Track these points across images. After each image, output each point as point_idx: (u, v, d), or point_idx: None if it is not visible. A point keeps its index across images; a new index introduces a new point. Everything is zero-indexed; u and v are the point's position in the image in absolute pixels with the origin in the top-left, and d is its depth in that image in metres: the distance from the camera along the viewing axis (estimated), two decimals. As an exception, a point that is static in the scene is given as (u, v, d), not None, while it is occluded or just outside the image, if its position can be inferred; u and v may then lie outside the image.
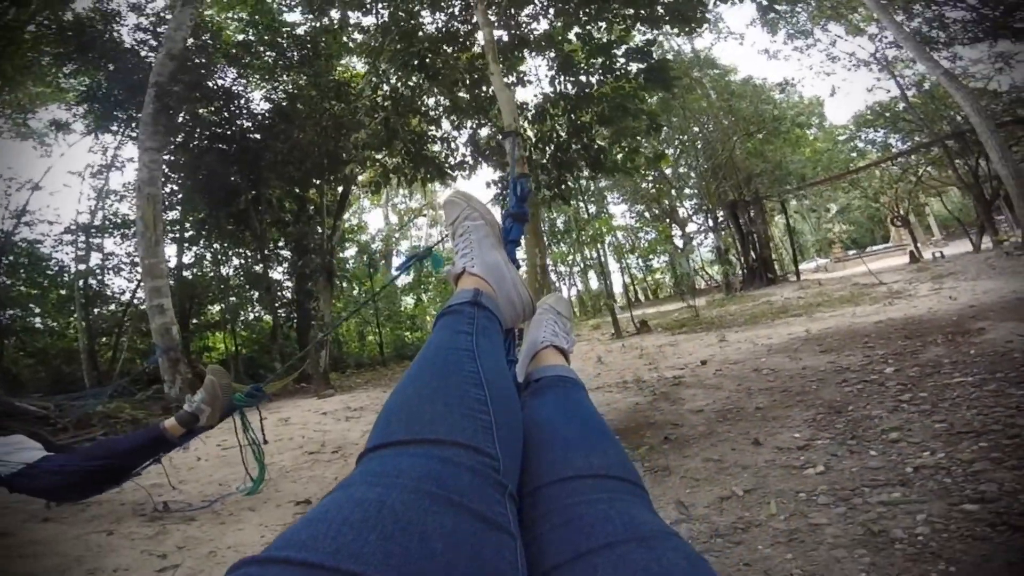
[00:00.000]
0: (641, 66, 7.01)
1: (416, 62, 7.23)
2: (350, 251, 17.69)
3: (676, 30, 7.46)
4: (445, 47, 7.54)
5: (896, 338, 4.44)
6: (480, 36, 6.48)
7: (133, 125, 10.84)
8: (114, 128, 11.56)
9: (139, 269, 9.87)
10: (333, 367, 12.88)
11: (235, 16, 12.50)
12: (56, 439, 3.68)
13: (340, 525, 0.37)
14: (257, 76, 11.55)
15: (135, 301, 12.43)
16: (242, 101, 11.37)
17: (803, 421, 2.88)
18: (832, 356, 4.42)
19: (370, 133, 7.29)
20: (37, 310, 13.29)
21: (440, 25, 7.73)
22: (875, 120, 17.79)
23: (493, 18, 7.42)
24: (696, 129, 19.71)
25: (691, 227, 21.13)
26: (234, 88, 11.37)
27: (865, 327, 5.26)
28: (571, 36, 7.66)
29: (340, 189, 12.64)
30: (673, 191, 21.14)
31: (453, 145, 7.85)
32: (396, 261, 22.77)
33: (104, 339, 12.55)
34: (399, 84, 8.00)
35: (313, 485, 3.15)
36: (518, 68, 7.96)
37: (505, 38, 7.60)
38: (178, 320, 12.74)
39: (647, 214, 23.64)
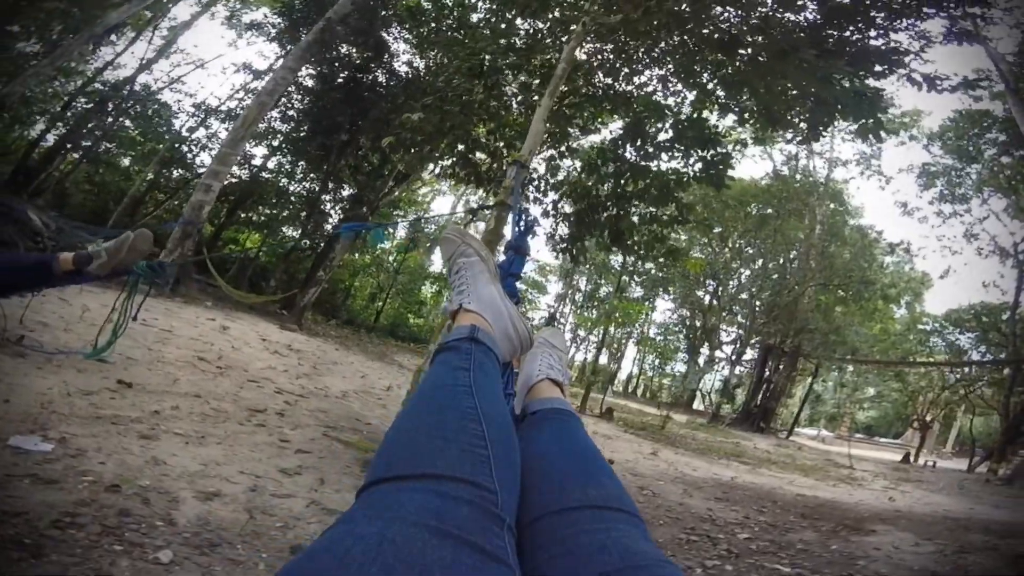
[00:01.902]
0: (703, 154, 6.89)
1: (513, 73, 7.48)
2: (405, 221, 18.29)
3: (788, 136, 7.25)
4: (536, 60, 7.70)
5: (792, 512, 4.19)
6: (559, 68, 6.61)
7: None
8: (288, 43, 12.77)
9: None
10: (325, 312, 13.31)
11: None
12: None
13: (343, 558, 0.38)
14: (414, 43, 12.26)
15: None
16: (389, 58, 12.38)
17: None
18: (719, 506, 4.19)
19: (424, 118, 7.59)
20: (131, 153, 14.89)
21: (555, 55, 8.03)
22: (969, 322, 15.85)
23: (602, 55, 7.64)
24: (780, 259, 18.66)
25: (720, 353, 20.26)
26: (391, 46, 12.41)
27: (782, 495, 4.95)
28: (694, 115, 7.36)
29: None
30: (723, 312, 20.36)
31: (497, 163, 8.03)
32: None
33: (160, 196, 13.72)
34: (477, 88, 8.31)
35: (158, 378, 3.28)
36: (597, 119, 8.06)
37: (608, 84, 7.70)
38: (228, 208, 13.91)
39: (688, 321, 22.94)
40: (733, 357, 17.86)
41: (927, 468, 11.69)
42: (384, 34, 12.14)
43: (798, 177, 18.50)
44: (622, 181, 6.97)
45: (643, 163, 6.96)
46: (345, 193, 14.16)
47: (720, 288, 20.73)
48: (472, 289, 1.02)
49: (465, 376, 0.72)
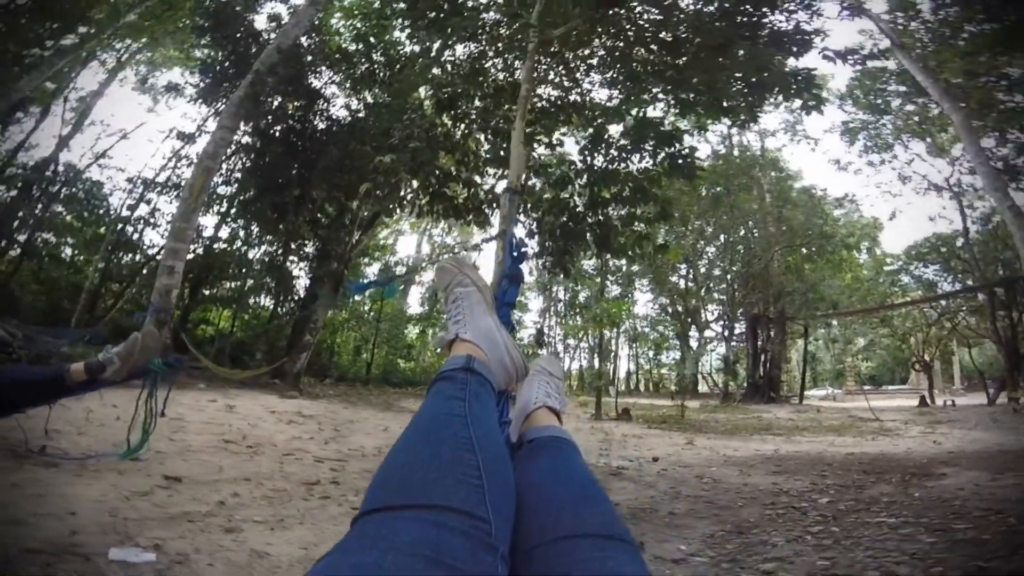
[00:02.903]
0: (669, 150, 7.10)
1: (466, 104, 7.57)
2: (373, 268, 18.08)
3: (729, 121, 7.61)
4: (501, 98, 7.87)
5: (855, 471, 4.20)
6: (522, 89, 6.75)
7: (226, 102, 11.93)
8: (212, 102, 12.53)
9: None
10: (315, 373, 12.88)
11: (350, 24, 13.46)
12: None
13: None
14: (348, 84, 12.32)
15: (159, 257, 13.05)
16: (325, 104, 12.14)
17: (701, 535, 2.73)
18: (781, 478, 4.17)
19: (396, 159, 7.57)
20: (71, 241, 14.09)
21: (506, 76, 8.14)
22: (929, 254, 16.82)
23: (551, 75, 7.84)
24: (741, 231, 19.30)
25: (709, 332, 20.62)
26: (323, 91, 12.16)
27: (833, 456, 4.99)
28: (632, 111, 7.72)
29: (375, 206, 13.11)
30: (702, 291, 20.80)
31: (474, 190, 8.03)
32: (416, 291, 23.00)
33: (114, 285, 13.08)
34: (442, 119, 8.36)
35: (200, 468, 3.10)
36: (557, 130, 8.21)
37: (558, 97, 7.90)
38: (190, 288, 13.34)
39: (670, 309, 23.29)
40: (725, 334, 18.19)
41: (949, 408, 11.89)
42: (314, 80, 11.95)
43: (736, 153, 19.50)
44: (595, 189, 7.09)
45: (611, 167, 7.11)
46: (309, 250, 13.85)
47: (691, 270, 21.31)
48: (469, 319, 1.02)
49: (460, 406, 0.73)
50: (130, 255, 13.75)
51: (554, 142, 8.10)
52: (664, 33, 6.74)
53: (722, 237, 19.93)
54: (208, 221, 13.82)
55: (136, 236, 13.76)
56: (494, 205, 8.32)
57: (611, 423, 9.11)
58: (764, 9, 6.48)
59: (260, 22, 12.20)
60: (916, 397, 14.66)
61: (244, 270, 13.92)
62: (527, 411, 1.05)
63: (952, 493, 3.11)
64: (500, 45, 7.67)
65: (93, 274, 12.29)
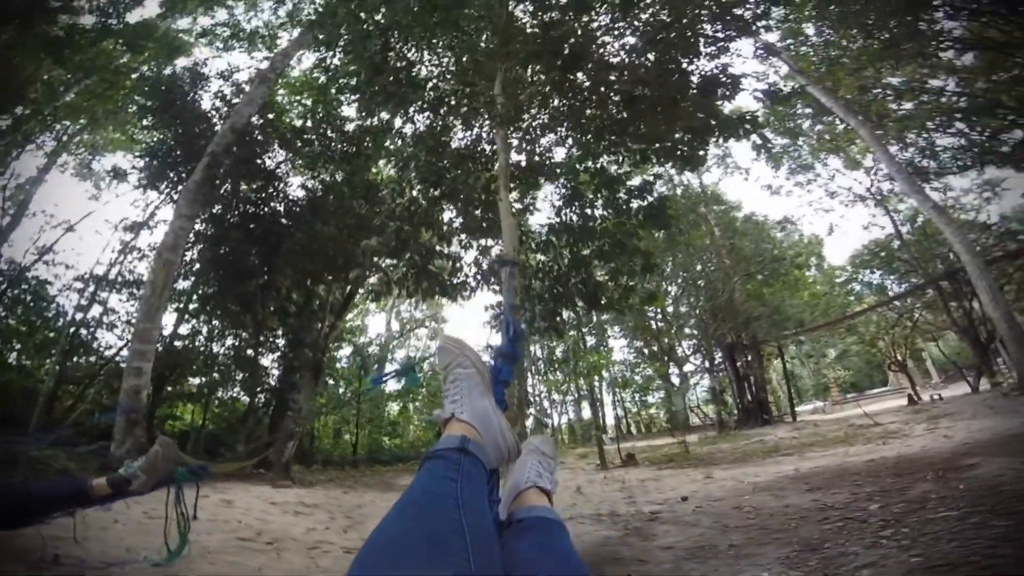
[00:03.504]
0: (642, 203, 7.49)
1: (436, 177, 7.78)
2: (345, 350, 17.58)
3: (678, 168, 8.06)
4: (468, 165, 8.17)
5: (885, 476, 4.24)
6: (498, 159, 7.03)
7: (179, 189, 11.17)
8: (161, 187, 12.00)
9: (133, 329, 9.79)
10: (299, 460, 12.09)
11: (300, 100, 13.71)
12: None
13: None
14: (301, 163, 12.13)
15: (117, 359, 12.13)
16: (281, 185, 11.92)
17: (775, 559, 2.70)
18: (818, 494, 4.15)
19: (381, 241, 7.62)
20: (18, 346, 12.93)
21: (468, 143, 8.48)
22: (871, 260, 17.83)
23: (514, 142, 8.20)
24: (699, 267, 20.03)
25: (688, 366, 20.92)
26: (278, 171, 11.95)
27: (856, 466, 5.03)
28: (584, 166, 8.12)
29: (348, 289, 12.65)
30: (673, 330, 21.25)
31: (458, 264, 8.12)
32: (389, 368, 22.40)
33: (71, 387, 12.06)
34: (419, 196, 8.52)
35: (233, 570, 2.89)
36: (530, 193, 8.51)
37: (524, 162, 8.27)
38: (152, 385, 12.40)
39: (645, 350, 23.58)
40: (706, 365, 18.46)
41: (938, 402, 12.10)
42: (268, 160, 11.75)
43: (679, 193, 20.51)
44: (576, 248, 7.33)
45: (588, 225, 7.40)
46: (280, 342, 13.25)
47: (660, 311, 21.75)
48: (466, 400, 1.05)
49: (453, 487, 0.75)
50: (86, 357, 12.71)
51: (529, 206, 8.33)
52: (616, 93, 7.28)
53: (682, 275, 20.61)
54: (166, 319, 13.16)
55: (90, 338, 12.79)
56: (478, 277, 8.36)
57: (619, 470, 8.91)
58: (691, 56, 7.20)
59: (206, 102, 12.06)
60: (902, 397, 15.07)
61: (210, 365, 13.13)
62: (518, 490, 1.07)
63: (994, 480, 3.19)
64: (461, 114, 8.05)
65: (48, 378, 11.35)
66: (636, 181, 8.21)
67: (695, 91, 6.94)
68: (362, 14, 7.53)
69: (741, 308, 17.67)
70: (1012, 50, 10.36)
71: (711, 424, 18.54)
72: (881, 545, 2.54)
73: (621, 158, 7.92)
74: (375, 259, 8.01)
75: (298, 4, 13.79)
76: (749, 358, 16.68)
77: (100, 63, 12.87)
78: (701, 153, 7.38)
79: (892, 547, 2.46)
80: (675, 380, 19.46)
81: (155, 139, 12.06)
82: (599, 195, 7.77)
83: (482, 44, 7.69)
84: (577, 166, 7.89)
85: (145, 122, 12.17)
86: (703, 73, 7.06)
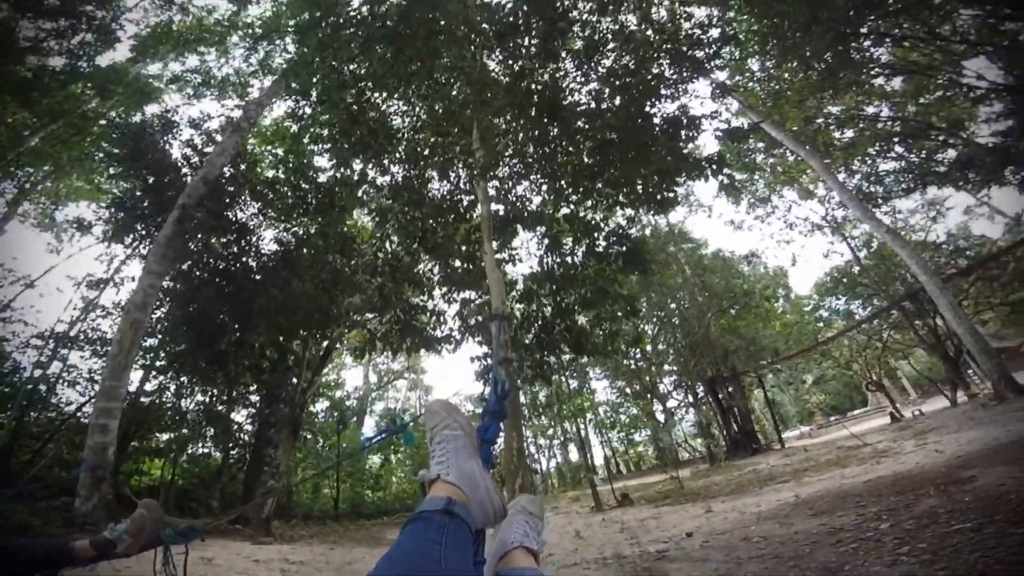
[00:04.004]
0: (620, 249, 7.63)
1: (417, 230, 7.79)
2: (321, 404, 16.98)
3: (650, 210, 8.29)
4: (447, 216, 8.21)
5: (888, 494, 4.23)
6: (479, 209, 7.09)
7: (147, 243, 10.85)
8: (127, 241, 11.54)
9: (96, 386, 9.19)
10: (278, 515, 11.38)
11: (272, 150, 13.53)
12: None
13: None
14: (274, 215, 11.86)
15: (79, 414, 11.33)
16: (254, 239, 11.62)
17: None
18: (824, 518, 4.11)
19: (364, 298, 7.56)
20: None
21: (444, 193, 8.57)
22: (835, 287, 18.47)
23: (492, 192, 8.34)
24: (673, 305, 20.38)
25: (671, 402, 20.89)
26: (250, 223, 11.62)
27: (855, 487, 5.02)
28: (560, 214, 8.30)
29: (325, 344, 12.25)
30: (653, 368, 21.34)
31: (442, 319, 8.09)
32: (369, 421, 21.68)
33: (29, 442, 11.18)
34: (400, 250, 8.49)
35: None
36: (510, 244, 8.58)
37: (501, 212, 8.37)
38: (117, 441, 11.51)
39: (628, 390, 23.53)
40: (690, 400, 18.46)
41: (920, 418, 12.29)
42: (240, 212, 11.51)
43: (648, 233, 21.08)
44: (559, 296, 7.40)
45: (570, 273, 7.51)
46: (254, 399, 12.68)
47: (639, 350, 21.87)
48: (453, 461, 1.06)
49: (437, 550, 0.76)
50: (44, 413, 11.90)
51: (513, 257, 8.40)
52: (586, 138, 7.55)
53: (657, 314, 20.94)
54: (133, 375, 12.46)
55: (49, 394, 12.01)
56: (462, 330, 8.31)
57: (615, 511, 8.66)
58: (652, 99, 7.56)
59: (175, 151, 11.76)
60: (884, 416, 15.26)
61: (178, 420, 12.43)
62: (504, 550, 1.07)
63: (998, 490, 3.22)
64: (437, 164, 8.19)
65: (3, 432, 10.54)
66: (611, 225, 8.42)
67: (659, 134, 7.27)
68: (336, 64, 7.71)
69: (718, 342, 17.95)
70: (934, 72, 11.25)
71: (701, 457, 18.37)
72: (902, 562, 2.51)
73: (595, 203, 8.15)
74: (356, 316, 7.86)
75: (270, 52, 13.92)
76: (731, 390, 16.79)
77: (68, 107, 12.70)
78: (671, 195, 7.64)
79: (914, 563, 2.44)
80: (660, 417, 19.34)
81: (122, 189, 11.66)
82: (579, 242, 7.89)
83: (454, 94, 7.93)
84: (553, 212, 8.07)
85: (112, 171, 11.82)
86: (665, 115, 7.43)
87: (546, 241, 8.14)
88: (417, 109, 8.51)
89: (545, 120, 7.14)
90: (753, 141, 16.74)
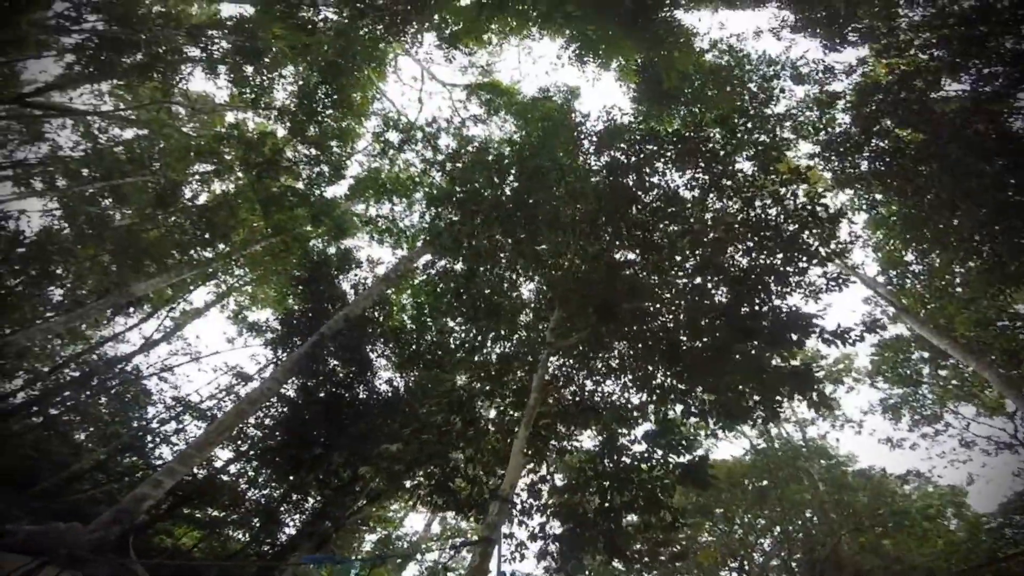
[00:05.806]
0: (680, 459, 6.88)
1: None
2: (372, 537, 16.57)
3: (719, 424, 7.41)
4: (494, 384, 8.20)
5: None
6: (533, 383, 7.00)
7: (286, 354, 12.41)
8: (281, 351, 13.23)
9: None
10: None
11: (412, 302, 14.45)
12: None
13: None
14: (395, 360, 12.82)
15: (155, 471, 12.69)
16: (370, 374, 12.64)
17: None
18: None
19: (401, 448, 7.72)
20: (90, 429, 14.48)
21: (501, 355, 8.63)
22: None
23: (565, 376, 8.18)
24: (799, 522, 17.64)
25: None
26: (374, 362, 12.72)
27: None
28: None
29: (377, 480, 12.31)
30: (761, 587, 17.56)
31: (477, 488, 7.84)
32: (413, 567, 20.50)
33: (100, 476, 12.86)
34: (456, 419, 8.52)
35: None
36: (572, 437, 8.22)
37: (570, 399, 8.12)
38: (172, 501, 12.21)
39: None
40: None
41: None
42: (369, 351, 12.63)
43: (777, 446, 19.20)
44: (609, 495, 6.78)
45: (624, 475, 6.92)
46: (308, 505, 13.00)
47: (746, 562, 18.42)
48: None
49: None
50: (133, 458, 13.46)
51: (568, 447, 8.04)
52: (662, 342, 7.18)
53: (776, 528, 18.11)
54: (224, 453, 13.75)
55: (149, 446, 13.66)
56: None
57: None
58: (760, 296, 6.94)
59: (345, 284, 13.66)
60: None
61: (235, 505, 13.17)
62: None
63: None
64: (526, 349, 8.39)
65: (89, 462, 11.93)
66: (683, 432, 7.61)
67: (746, 339, 6.63)
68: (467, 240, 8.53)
69: (849, 561, 15.08)
70: None
71: None
72: None
73: (684, 416, 7.53)
74: (391, 464, 7.94)
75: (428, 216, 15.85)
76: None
77: (290, 226, 15.33)
78: (746, 406, 6.75)
79: None
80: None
81: (295, 307, 13.74)
82: (653, 449, 7.21)
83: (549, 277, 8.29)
84: (652, 411, 7.55)
85: (297, 289, 13.89)
86: (776, 311, 6.80)
87: (603, 438, 7.58)
88: (521, 288, 9.00)
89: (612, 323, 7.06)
90: (915, 350, 14.79)
